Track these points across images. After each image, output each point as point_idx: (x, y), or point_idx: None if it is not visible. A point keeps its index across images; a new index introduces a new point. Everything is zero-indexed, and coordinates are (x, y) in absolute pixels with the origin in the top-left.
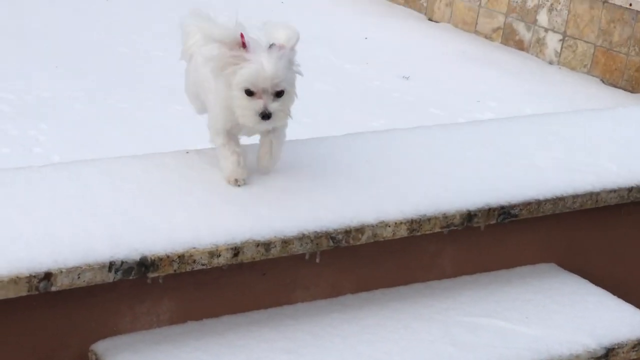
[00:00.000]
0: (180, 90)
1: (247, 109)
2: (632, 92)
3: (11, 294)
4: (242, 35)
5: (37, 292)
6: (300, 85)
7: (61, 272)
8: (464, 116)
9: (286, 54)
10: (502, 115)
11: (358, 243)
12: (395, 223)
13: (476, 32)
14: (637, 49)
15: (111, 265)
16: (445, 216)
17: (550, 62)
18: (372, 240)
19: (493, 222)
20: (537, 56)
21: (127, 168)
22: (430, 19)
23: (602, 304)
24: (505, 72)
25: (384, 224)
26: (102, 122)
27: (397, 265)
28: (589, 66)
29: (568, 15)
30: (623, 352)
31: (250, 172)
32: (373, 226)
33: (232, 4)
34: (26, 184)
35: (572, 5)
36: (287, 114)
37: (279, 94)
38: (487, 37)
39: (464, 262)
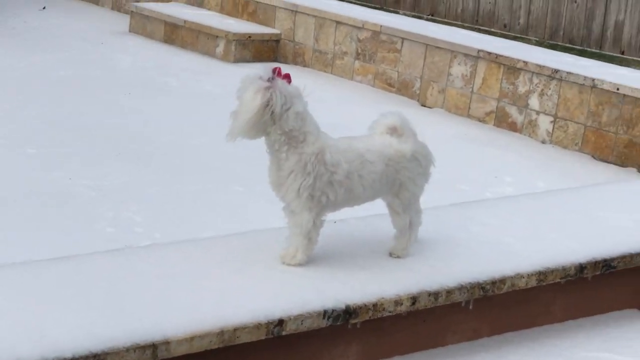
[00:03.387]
0: (238, 173)
1: None
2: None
3: (254, 338)
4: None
5: (271, 336)
6: None
7: (290, 319)
8: (490, 190)
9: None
10: (521, 188)
11: (501, 292)
12: (528, 275)
13: (469, 116)
14: (624, 128)
15: (325, 314)
16: (563, 268)
17: (543, 142)
18: (510, 290)
19: (598, 273)
20: (529, 136)
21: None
22: (423, 105)
23: None
24: (506, 150)
25: (520, 275)
26: (176, 203)
27: (522, 313)
28: (579, 144)
29: (558, 99)
30: None
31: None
32: (512, 277)
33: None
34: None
35: (561, 90)
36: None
37: None
38: (481, 120)
39: (570, 309)
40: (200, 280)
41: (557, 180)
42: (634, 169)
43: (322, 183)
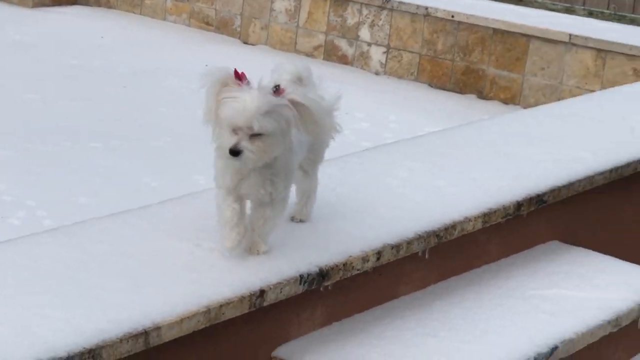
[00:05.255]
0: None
1: (223, 144)
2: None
3: (238, 312)
4: (235, 71)
5: (254, 309)
6: None
7: (270, 288)
8: (347, 127)
9: (280, 98)
10: (375, 122)
11: (452, 238)
12: (475, 217)
13: (296, 51)
14: (461, 55)
15: (301, 279)
16: (504, 207)
17: (377, 73)
18: (460, 235)
19: (532, 209)
20: (362, 68)
21: None
22: (245, 43)
23: (606, 267)
24: (341, 84)
25: (467, 219)
26: (36, 166)
27: (462, 256)
28: (415, 73)
29: (390, 29)
30: None
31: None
32: (461, 222)
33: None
34: None
35: (393, 20)
36: (260, 157)
37: (256, 136)
38: (309, 55)
39: (504, 247)
40: (167, 258)
41: (406, 111)
42: (474, 95)
43: None
